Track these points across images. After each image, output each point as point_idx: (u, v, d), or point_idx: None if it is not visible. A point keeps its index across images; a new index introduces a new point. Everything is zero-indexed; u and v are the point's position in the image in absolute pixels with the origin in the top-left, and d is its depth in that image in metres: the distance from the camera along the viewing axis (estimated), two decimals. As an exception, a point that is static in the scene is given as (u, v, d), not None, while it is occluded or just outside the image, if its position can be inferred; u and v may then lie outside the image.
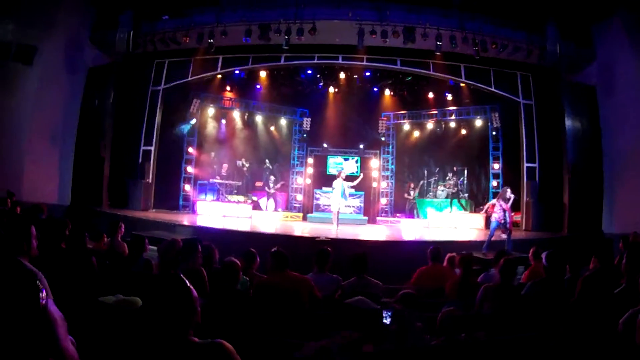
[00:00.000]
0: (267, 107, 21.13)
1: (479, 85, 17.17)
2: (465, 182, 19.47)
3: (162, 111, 17.70)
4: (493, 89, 16.97)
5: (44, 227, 5.21)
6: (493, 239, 12.67)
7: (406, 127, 21.66)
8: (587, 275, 5.43)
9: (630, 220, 13.06)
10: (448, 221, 18.01)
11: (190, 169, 19.20)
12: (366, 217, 19.78)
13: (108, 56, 16.54)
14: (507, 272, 5.62)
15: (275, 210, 19.89)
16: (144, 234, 9.65)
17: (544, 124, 16.67)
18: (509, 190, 13.02)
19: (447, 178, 19.63)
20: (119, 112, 17.09)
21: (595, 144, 15.71)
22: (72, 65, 16.14)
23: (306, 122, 21.35)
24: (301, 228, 16.75)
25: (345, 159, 21.50)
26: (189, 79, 17.61)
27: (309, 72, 19.73)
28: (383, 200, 21.36)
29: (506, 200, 12.73)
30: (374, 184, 21.41)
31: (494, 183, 18.61)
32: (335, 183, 15.48)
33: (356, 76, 19.79)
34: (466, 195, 19.29)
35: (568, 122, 15.79)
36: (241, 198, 19.31)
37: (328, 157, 21.69)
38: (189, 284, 2.39)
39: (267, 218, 18.84)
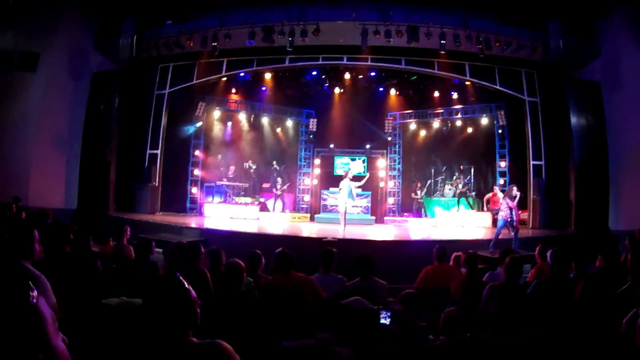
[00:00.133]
0: (273, 108, 21.20)
1: (484, 83, 17.12)
2: (472, 180, 19.43)
3: (167, 115, 17.75)
4: (498, 87, 16.92)
5: (49, 232, 5.27)
6: (500, 237, 12.62)
7: (412, 126, 21.64)
8: (590, 274, 5.38)
9: (636, 217, 12.94)
10: (456, 220, 17.98)
11: (197, 171, 19.25)
12: (374, 217, 19.75)
13: (112, 62, 16.67)
14: (513, 270, 5.59)
15: (283, 211, 19.92)
16: (151, 236, 9.72)
17: (549, 121, 16.58)
18: (515, 188, 12.96)
19: (454, 177, 19.61)
20: (125, 116, 17.22)
21: (600, 140, 15.60)
22: (76, 72, 16.26)
23: (312, 123, 21.41)
24: (308, 229, 16.73)
25: (352, 159, 21.52)
26: (194, 82, 17.66)
27: (314, 73, 19.72)
28: (390, 200, 21.37)
29: (512, 198, 12.67)
30: (381, 184, 21.43)
31: (501, 181, 18.53)
32: (342, 183, 15.46)
33: (361, 76, 19.78)
34: (473, 193, 19.24)
35: (573, 119, 15.74)
36: (248, 200, 19.30)
37: (335, 157, 21.74)
38: (187, 285, 2.40)
39: (275, 219, 18.84)
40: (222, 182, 19.10)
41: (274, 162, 20.66)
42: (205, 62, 17.06)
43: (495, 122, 19.19)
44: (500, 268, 6.66)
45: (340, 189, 15.55)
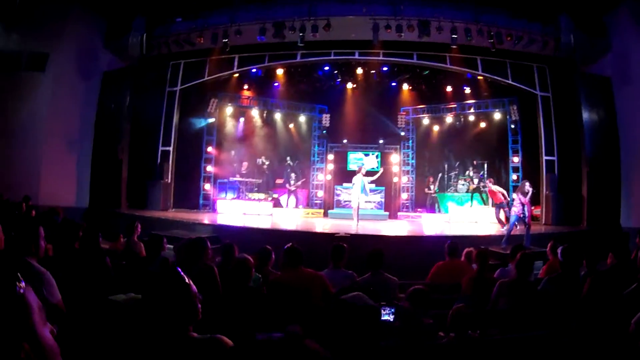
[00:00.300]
0: (286, 104, 21.22)
1: (496, 77, 17.00)
2: (485, 175, 19.30)
3: (179, 111, 17.85)
4: (510, 82, 16.79)
5: (59, 229, 5.32)
6: (512, 232, 12.53)
7: (425, 121, 21.57)
8: (598, 273, 5.32)
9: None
10: (469, 215, 17.86)
11: (209, 167, 19.30)
12: (387, 213, 19.72)
13: (122, 60, 16.76)
14: (524, 267, 5.53)
15: (296, 207, 19.95)
16: (163, 233, 9.75)
17: (561, 116, 16.45)
18: (527, 183, 12.85)
19: (467, 172, 19.50)
20: (136, 114, 17.31)
21: (612, 135, 15.45)
22: (86, 71, 16.37)
23: (325, 119, 21.37)
24: (322, 224, 16.72)
25: (366, 155, 21.48)
26: (205, 78, 17.71)
27: (326, 68, 19.66)
28: (404, 195, 21.33)
29: (525, 194, 12.55)
30: (395, 179, 21.39)
31: (514, 177, 18.45)
32: (355, 179, 15.41)
33: (373, 71, 19.70)
34: (487, 189, 19.10)
35: (585, 114, 15.59)
36: (262, 196, 19.35)
37: (348, 152, 21.71)
38: (187, 280, 2.41)
39: (288, 215, 18.90)
40: (235, 178, 19.17)
41: (288, 158, 20.71)
42: (216, 59, 17.05)
43: (507, 117, 19.06)
44: (511, 264, 6.61)
45: (353, 184, 15.53)
